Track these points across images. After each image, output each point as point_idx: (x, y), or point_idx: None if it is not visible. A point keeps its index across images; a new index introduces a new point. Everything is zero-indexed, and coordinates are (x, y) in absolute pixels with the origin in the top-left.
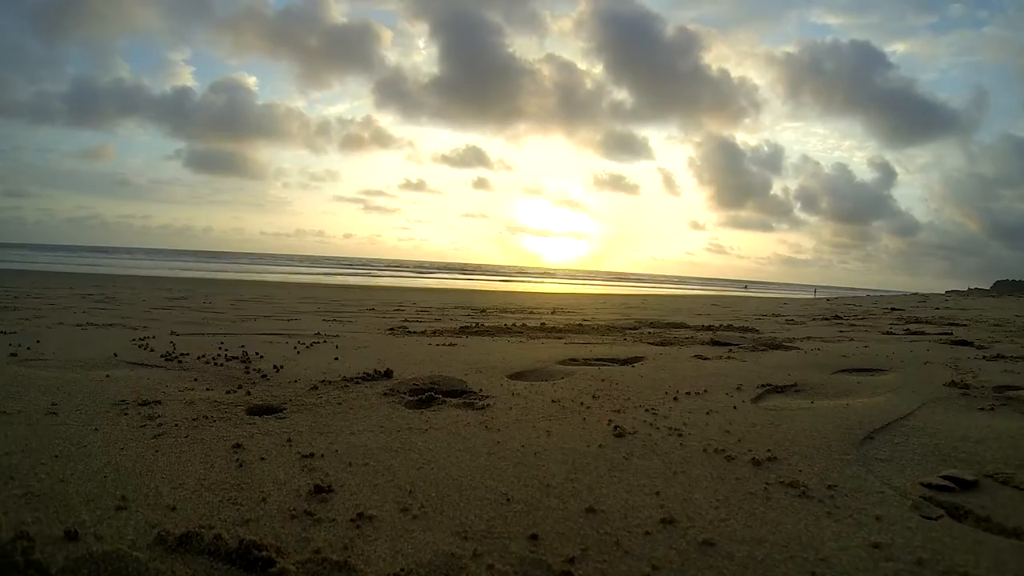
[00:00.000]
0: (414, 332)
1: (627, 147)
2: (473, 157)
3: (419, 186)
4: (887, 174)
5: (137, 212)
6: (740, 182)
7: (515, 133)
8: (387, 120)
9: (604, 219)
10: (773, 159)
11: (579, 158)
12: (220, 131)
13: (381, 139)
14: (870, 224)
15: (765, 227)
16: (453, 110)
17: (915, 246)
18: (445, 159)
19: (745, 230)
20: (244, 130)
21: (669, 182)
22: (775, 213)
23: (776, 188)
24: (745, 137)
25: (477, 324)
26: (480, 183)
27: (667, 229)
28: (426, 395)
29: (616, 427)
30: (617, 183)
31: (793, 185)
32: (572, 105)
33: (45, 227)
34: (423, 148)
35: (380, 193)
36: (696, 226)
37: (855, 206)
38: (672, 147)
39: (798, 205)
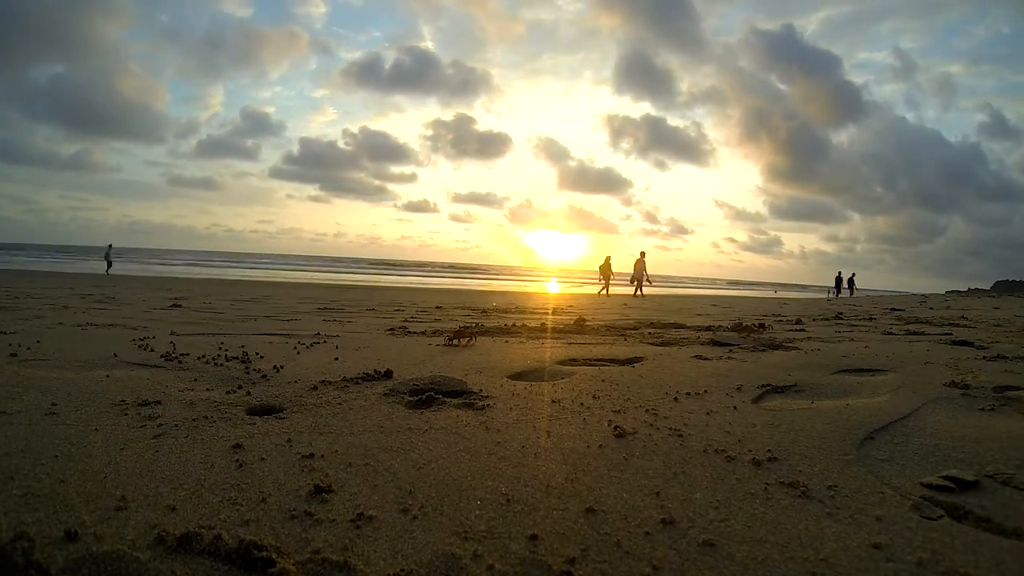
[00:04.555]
0: (414, 332)
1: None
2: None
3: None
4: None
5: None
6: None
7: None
8: None
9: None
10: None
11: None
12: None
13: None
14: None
15: (824, 213)
16: None
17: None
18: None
19: (798, 221)
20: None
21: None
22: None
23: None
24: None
25: (477, 324)
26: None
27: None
28: (426, 395)
29: (616, 427)
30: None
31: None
32: None
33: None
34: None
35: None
36: (740, 215)
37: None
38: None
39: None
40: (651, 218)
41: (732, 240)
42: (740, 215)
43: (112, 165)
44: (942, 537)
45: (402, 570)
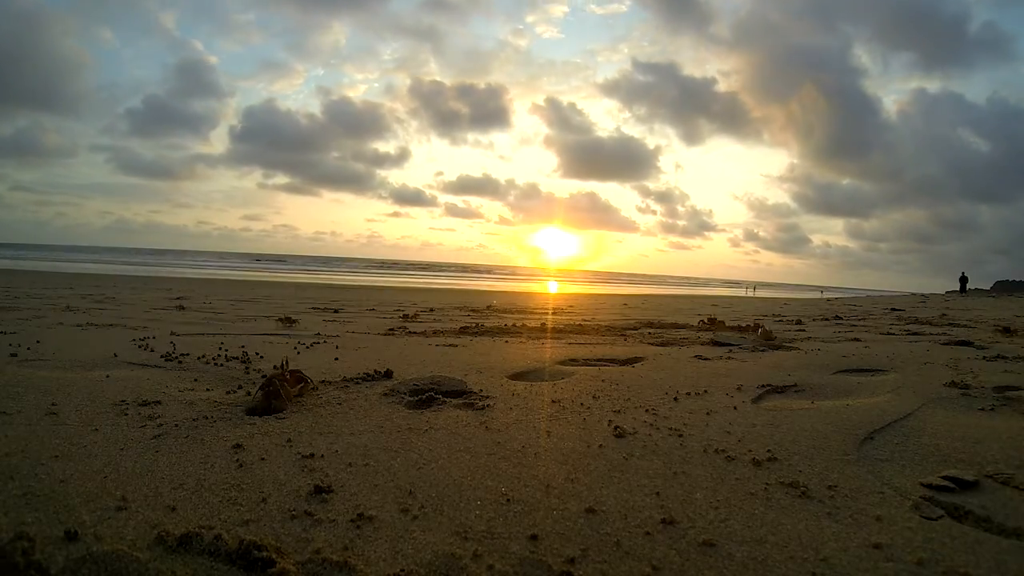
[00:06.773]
0: (414, 332)
1: None
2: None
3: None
4: None
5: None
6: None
7: None
8: None
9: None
10: None
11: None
12: None
13: None
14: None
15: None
16: None
17: None
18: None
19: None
20: None
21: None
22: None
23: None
24: None
25: (477, 324)
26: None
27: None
28: (426, 395)
29: (616, 427)
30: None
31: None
32: None
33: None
34: None
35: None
36: (756, 205)
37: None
38: None
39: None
40: (671, 212)
41: (755, 237)
42: (763, 206)
43: (67, 148)
44: (942, 537)
45: (402, 570)
